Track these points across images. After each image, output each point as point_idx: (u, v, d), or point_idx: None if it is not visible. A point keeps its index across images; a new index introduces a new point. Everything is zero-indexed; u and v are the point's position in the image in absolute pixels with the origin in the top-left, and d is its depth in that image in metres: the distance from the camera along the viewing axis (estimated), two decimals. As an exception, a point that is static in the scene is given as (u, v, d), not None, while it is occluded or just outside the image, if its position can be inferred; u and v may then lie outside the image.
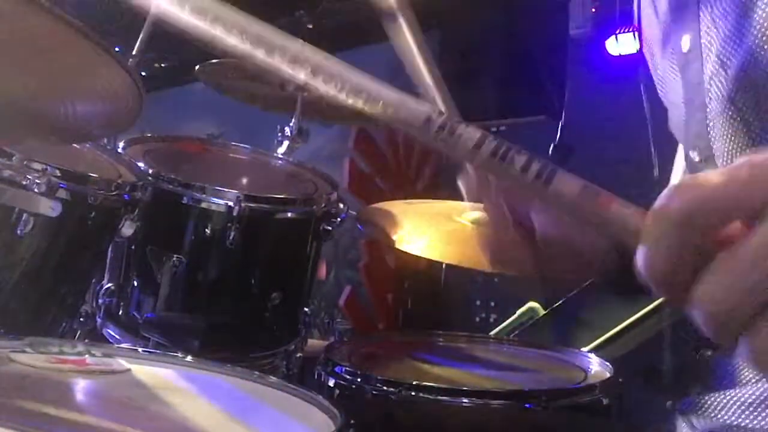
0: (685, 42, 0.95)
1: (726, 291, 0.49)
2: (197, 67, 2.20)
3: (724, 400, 0.96)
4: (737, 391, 0.95)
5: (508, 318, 3.18)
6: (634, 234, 0.52)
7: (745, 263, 0.49)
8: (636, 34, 1.13)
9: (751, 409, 0.93)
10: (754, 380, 0.94)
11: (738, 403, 0.95)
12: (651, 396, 1.84)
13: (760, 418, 0.92)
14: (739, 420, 0.94)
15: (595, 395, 1.35)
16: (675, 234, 0.50)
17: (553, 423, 1.29)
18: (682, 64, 0.96)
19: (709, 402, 0.98)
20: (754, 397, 0.93)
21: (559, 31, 3.50)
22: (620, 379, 1.42)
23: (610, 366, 1.48)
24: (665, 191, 0.50)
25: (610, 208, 0.54)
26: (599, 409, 1.34)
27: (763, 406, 0.92)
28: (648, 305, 2.70)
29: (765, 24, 0.82)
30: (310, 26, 3.82)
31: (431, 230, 1.65)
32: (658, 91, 1.10)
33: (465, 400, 1.28)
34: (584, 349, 1.87)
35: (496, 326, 3.22)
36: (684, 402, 1.02)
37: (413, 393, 1.30)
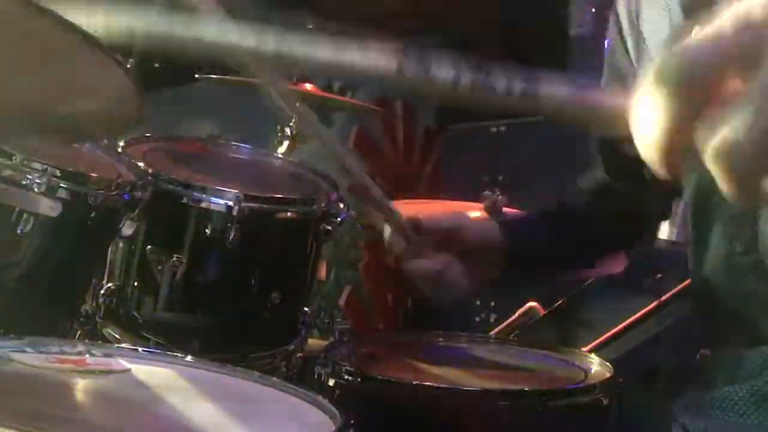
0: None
1: (747, 130, 0.44)
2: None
3: (721, 398, 0.96)
4: (734, 388, 0.96)
5: (508, 318, 3.17)
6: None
7: (759, 100, 0.44)
8: None
9: (747, 405, 0.93)
10: (751, 377, 0.95)
11: (735, 401, 0.95)
12: (651, 396, 1.84)
13: (756, 415, 0.92)
14: (736, 417, 0.94)
15: (595, 395, 1.34)
16: (675, 92, 0.46)
17: (553, 423, 1.29)
18: None
19: (706, 400, 0.98)
20: (750, 394, 0.93)
21: (559, 31, 3.50)
22: (620, 379, 1.42)
23: (610, 366, 1.48)
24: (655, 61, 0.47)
25: (602, 99, 0.52)
26: (599, 409, 1.34)
27: (758, 403, 0.93)
28: (648, 305, 2.70)
29: None
30: (310, 26, 3.81)
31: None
32: None
33: (465, 400, 1.28)
34: (584, 349, 1.86)
35: (496, 326, 3.22)
36: (683, 401, 1.03)
37: (413, 393, 1.30)
